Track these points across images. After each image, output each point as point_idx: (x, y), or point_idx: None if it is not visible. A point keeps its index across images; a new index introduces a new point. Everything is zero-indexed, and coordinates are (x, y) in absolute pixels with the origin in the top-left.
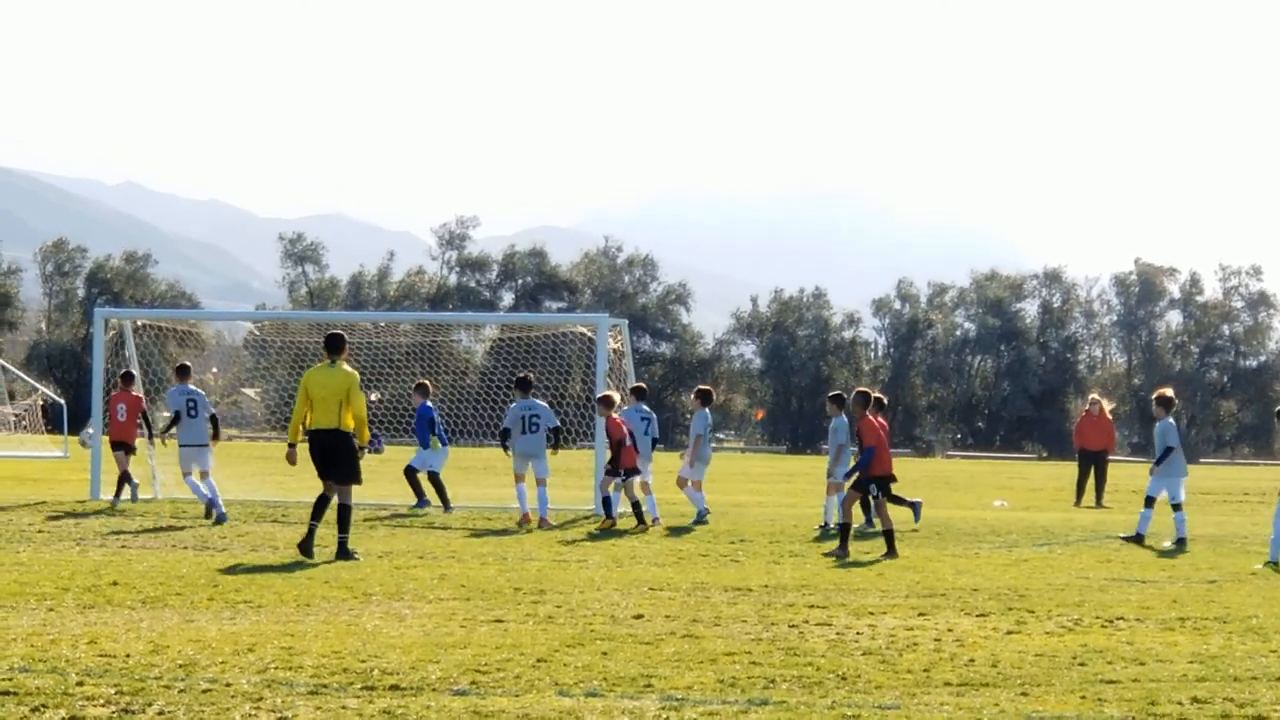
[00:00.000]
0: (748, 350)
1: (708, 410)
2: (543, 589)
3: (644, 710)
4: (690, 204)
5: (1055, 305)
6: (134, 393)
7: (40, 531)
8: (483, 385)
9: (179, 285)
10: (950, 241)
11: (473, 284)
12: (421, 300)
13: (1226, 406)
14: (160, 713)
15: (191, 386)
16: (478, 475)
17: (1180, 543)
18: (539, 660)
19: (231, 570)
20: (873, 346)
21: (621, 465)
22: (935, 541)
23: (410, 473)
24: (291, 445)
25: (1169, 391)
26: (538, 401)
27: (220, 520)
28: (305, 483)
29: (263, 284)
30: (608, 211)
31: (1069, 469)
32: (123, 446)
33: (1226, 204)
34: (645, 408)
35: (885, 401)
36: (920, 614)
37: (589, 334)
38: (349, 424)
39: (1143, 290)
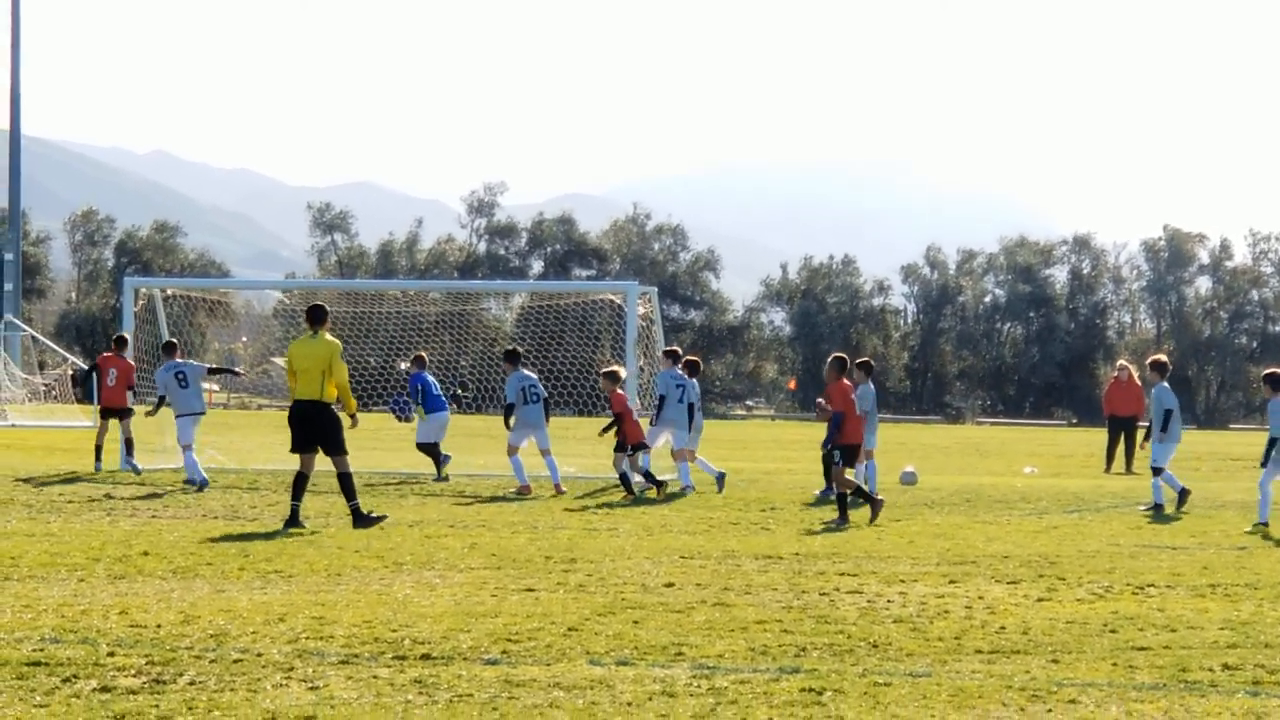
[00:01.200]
0: (777, 317)
1: (694, 380)
2: (574, 557)
3: (675, 679)
4: (720, 173)
5: (1084, 271)
6: (127, 358)
7: (70, 502)
8: (665, 349)
9: (208, 254)
10: (979, 208)
11: (501, 251)
12: (451, 268)
13: (1256, 372)
14: (191, 683)
15: (178, 360)
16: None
17: (1157, 508)
18: (570, 629)
19: (262, 540)
20: (902, 313)
21: (628, 441)
22: (966, 509)
23: (430, 448)
24: None
25: (1163, 357)
26: (530, 373)
27: (202, 487)
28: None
29: (292, 253)
30: (638, 181)
31: (1099, 435)
32: (112, 413)
33: (1256, 170)
34: (679, 372)
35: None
36: (951, 581)
37: (618, 302)
38: (331, 394)
39: (1172, 256)
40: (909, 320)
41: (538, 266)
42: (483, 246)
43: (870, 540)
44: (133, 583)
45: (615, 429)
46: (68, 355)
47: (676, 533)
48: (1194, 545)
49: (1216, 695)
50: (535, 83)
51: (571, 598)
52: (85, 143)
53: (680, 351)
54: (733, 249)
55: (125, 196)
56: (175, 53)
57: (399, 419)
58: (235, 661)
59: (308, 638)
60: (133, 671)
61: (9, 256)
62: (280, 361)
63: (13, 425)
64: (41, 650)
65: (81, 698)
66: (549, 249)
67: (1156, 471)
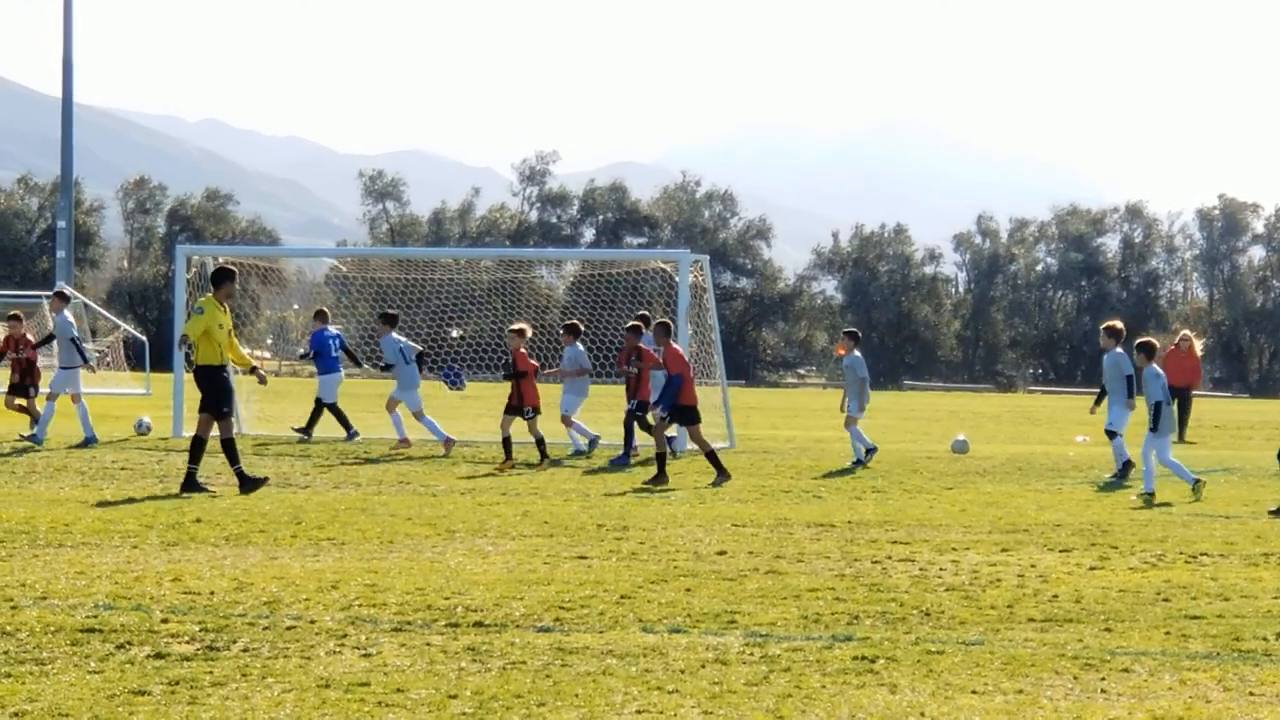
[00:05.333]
0: (829, 286)
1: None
2: (626, 525)
3: (728, 646)
4: (770, 140)
5: (1137, 240)
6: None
7: (123, 469)
8: (564, 321)
9: (259, 221)
10: (1031, 176)
11: (553, 220)
12: (503, 236)
13: None
14: (245, 650)
15: (66, 313)
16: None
17: (1126, 467)
18: (623, 597)
19: (314, 507)
20: (954, 282)
21: (526, 401)
22: (1017, 477)
23: (331, 408)
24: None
25: (1118, 323)
26: (401, 336)
27: (87, 443)
28: (385, 419)
29: (343, 220)
30: (688, 147)
31: None
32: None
33: None
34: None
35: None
36: (1003, 550)
37: (669, 270)
38: (202, 356)
39: (1226, 225)
40: (961, 289)
41: (589, 234)
42: (534, 214)
43: (922, 508)
44: (186, 550)
45: (513, 388)
46: (119, 322)
47: (729, 500)
48: (1247, 514)
49: (1270, 664)
50: (585, 50)
51: (624, 565)
52: (137, 110)
53: (650, 316)
54: (784, 216)
55: (177, 164)
56: (226, 20)
57: (450, 387)
58: (288, 629)
59: (360, 605)
60: (186, 638)
61: (61, 224)
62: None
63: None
64: (95, 617)
65: (135, 664)
66: (600, 217)
67: (1112, 435)
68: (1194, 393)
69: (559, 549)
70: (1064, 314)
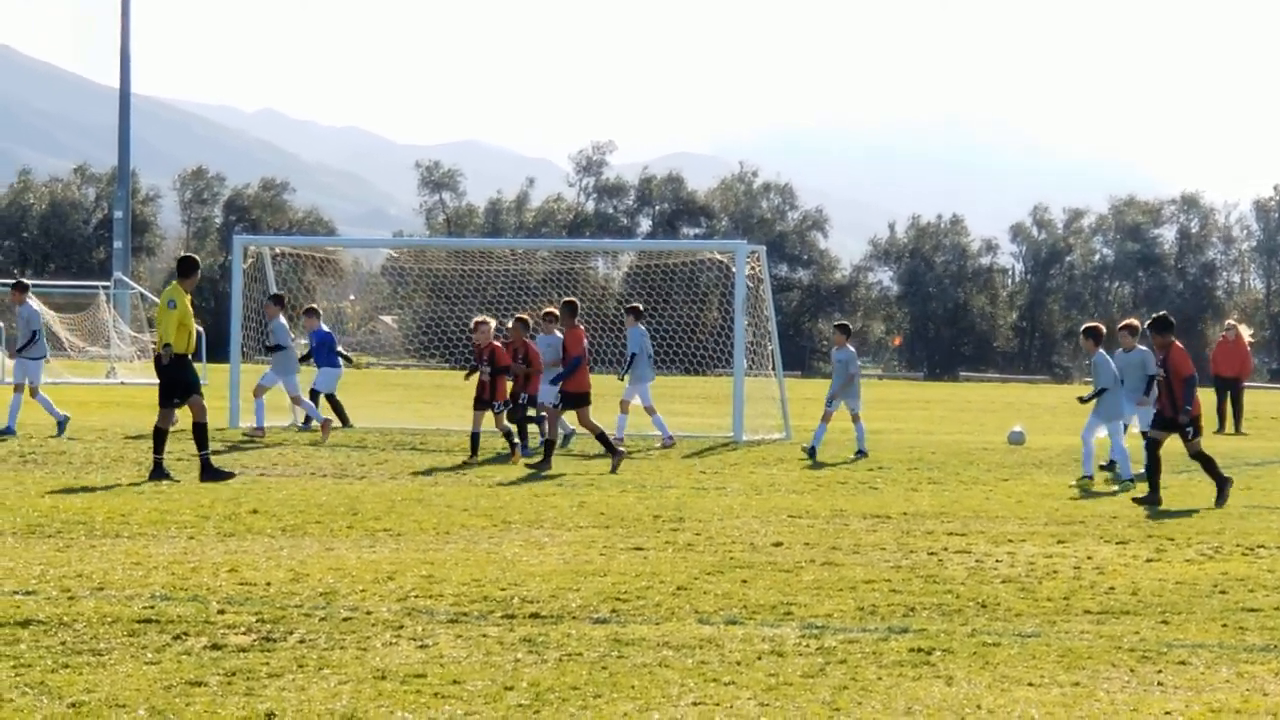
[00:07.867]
0: (885, 277)
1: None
2: (682, 517)
3: (784, 638)
4: (825, 131)
5: (1193, 231)
6: None
7: (179, 460)
8: (619, 312)
9: (316, 212)
10: (1085, 167)
11: (610, 210)
12: (559, 227)
13: None
14: (301, 641)
15: (30, 303)
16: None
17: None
18: (679, 588)
19: (371, 498)
20: (1010, 273)
21: (498, 395)
22: (1074, 469)
23: (314, 394)
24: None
25: (1135, 322)
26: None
27: (8, 432)
28: (443, 410)
29: (400, 211)
30: (743, 138)
31: (1208, 396)
32: None
33: None
34: (642, 328)
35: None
36: (1059, 541)
37: (725, 261)
38: (171, 342)
39: None
40: (1016, 279)
41: (645, 225)
42: (591, 205)
43: (978, 500)
44: (242, 541)
45: (481, 382)
46: None
47: (784, 492)
48: None
49: None
50: (641, 40)
51: (680, 557)
52: (194, 101)
53: (642, 308)
54: (838, 207)
55: (234, 155)
56: (283, 10)
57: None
58: (345, 620)
59: (417, 596)
60: (243, 629)
61: (118, 215)
62: (388, 320)
63: (121, 383)
64: (152, 607)
65: (192, 655)
66: (657, 207)
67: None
68: (1245, 384)
69: (615, 540)
70: (1120, 305)
